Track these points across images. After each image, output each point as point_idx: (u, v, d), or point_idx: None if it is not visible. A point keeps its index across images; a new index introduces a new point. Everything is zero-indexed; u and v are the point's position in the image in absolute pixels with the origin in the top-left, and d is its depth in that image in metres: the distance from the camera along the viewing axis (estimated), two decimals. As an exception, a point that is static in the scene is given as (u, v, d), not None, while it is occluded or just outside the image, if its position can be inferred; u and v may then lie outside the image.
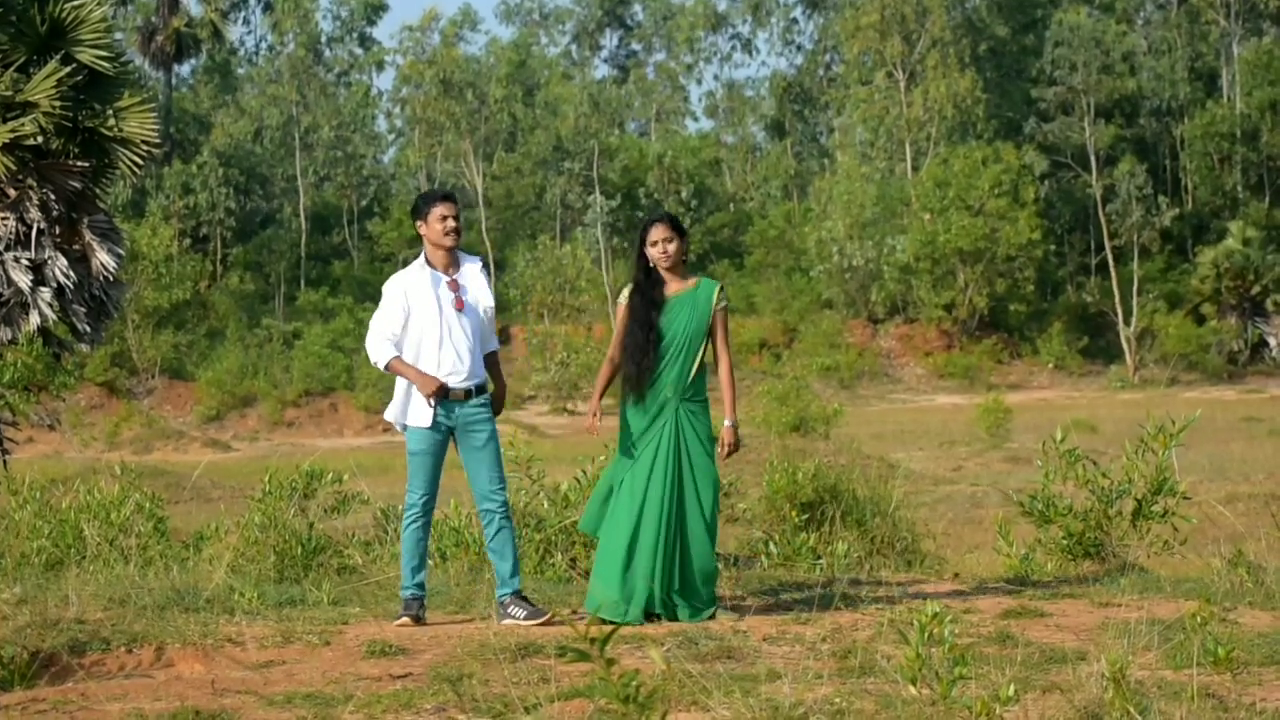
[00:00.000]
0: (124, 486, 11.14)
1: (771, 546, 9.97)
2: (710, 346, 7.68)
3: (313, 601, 7.99)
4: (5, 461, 15.14)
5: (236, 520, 10.69)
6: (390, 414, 7.62)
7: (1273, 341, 60.26)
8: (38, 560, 10.21)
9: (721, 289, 7.73)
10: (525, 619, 7.36)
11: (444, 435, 7.53)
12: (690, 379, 7.62)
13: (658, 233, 7.63)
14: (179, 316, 58.10)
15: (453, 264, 7.59)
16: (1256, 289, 60.38)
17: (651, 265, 7.68)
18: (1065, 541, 9.44)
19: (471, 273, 7.61)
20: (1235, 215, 64.35)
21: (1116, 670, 5.04)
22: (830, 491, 10.82)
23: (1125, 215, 64.28)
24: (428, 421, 7.44)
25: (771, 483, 10.95)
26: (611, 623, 7.26)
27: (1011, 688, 4.94)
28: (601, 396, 7.75)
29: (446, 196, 7.60)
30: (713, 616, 7.49)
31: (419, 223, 7.59)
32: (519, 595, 7.51)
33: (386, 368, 7.47)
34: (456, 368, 7.47)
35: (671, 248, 7.62)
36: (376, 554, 10.00)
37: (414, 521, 7.53)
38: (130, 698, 5.98)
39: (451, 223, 7.52)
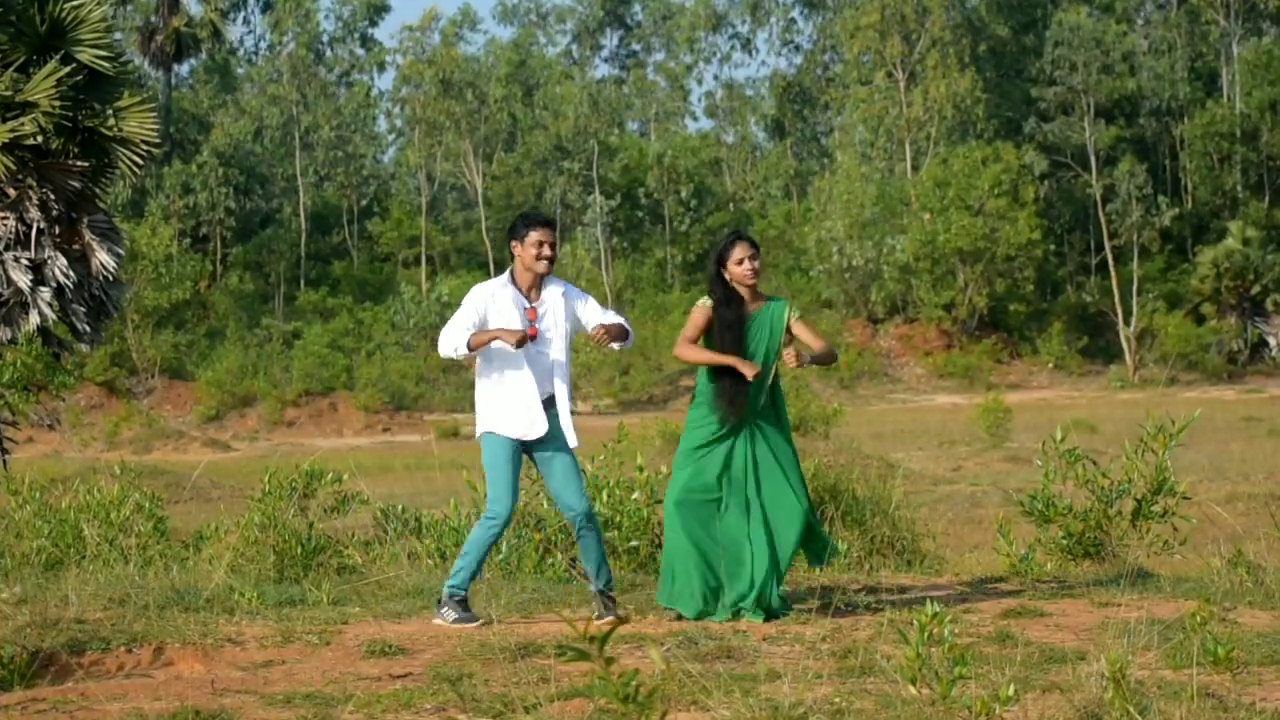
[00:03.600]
0: (124, 486, 11.14)
1: (771, 546, 9.94)
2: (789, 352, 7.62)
3: (313, 601, 7.99)
4: (5, 461, 15.13)
5: (236, 520, 10.69)
6: (482, 425, 7.55)
7: (1272, 341, 60.26)
8: (38, 560, 10.22)
9: (792, 305, 7.76)
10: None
11: (521, 446, 7.54)
12: (766, 394, 7.66)
13: (743, 250, 7.65)
14: (179, 316, 58.12)
15: (536, 288, 7.61)
16: (1256, 289, 60.39)
17: (730, 283, 7.67)
18: (1065, 541, 9.43)
19: (553, 297, 7.60)
20: (1235, 215, 64.36)
21: (1116, 670, 5.04)
22: (830, 491, 10.81)
23: (1125, 215, 64.29)
24: (516, 432, 7.45)
25: (771, 482, 10.92)
26: (700, 617, 7.39)
27: (1011, 688, 4.94)
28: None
29: (546, 222, 7.64)
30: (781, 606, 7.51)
31: (514, 242, 7.60)
32: (604, 594, 7.59)
33: (469, 347, 7.42)
34: (527, 388, 7.47)
35: (756, 264, 7.66)
36: (376, 554, 10.00)
37: (494, 529, 7.50)
38: (130, 697, 5.98)
39: (547, 249, 7.55)
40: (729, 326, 7.59)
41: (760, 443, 7.61)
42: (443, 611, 7.39)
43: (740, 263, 7.63)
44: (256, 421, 52.35)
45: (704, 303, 7.70)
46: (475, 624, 7.29)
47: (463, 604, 7.41)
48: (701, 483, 7.55)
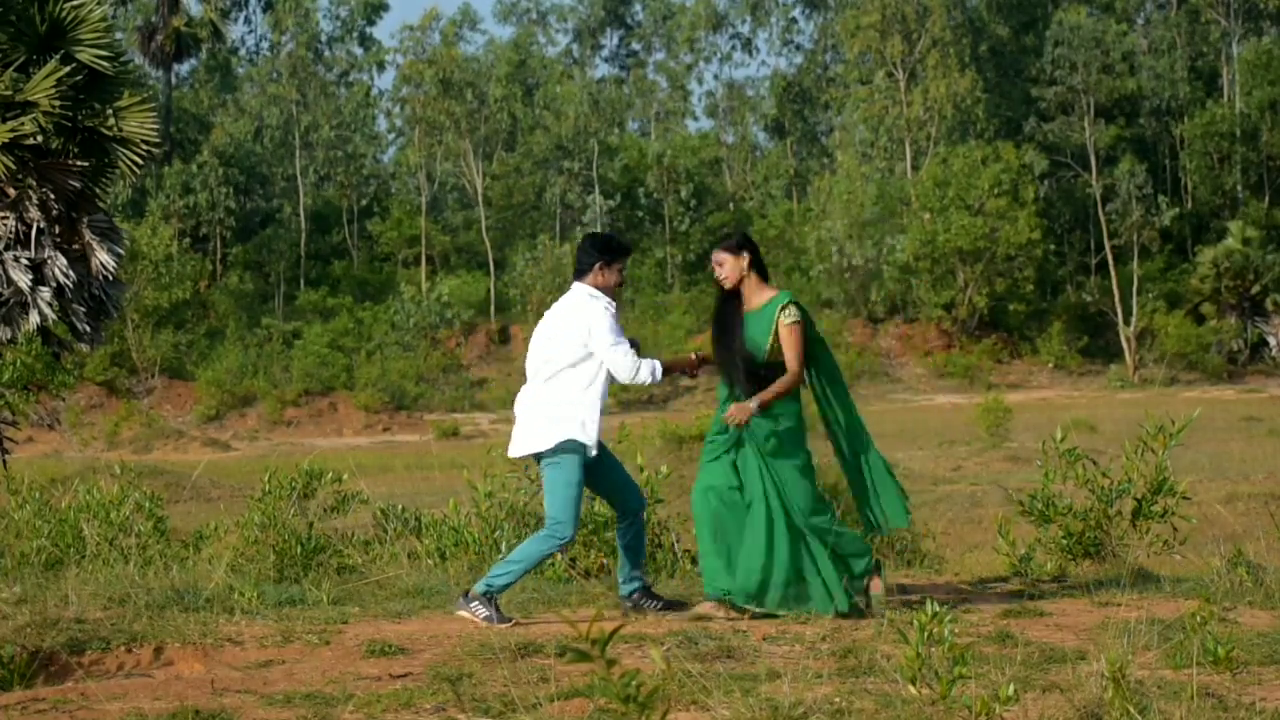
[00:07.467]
0: (123, 486, 11.15)
1: (771, 546, 9.93)
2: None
3: (312, 601, 7.99)
4: (5, 461, 15.13)
5: (236, 520, 10.69)
6: (585, 436, 7.51)
7: (1272, 341, 60.26)
8: (38, 560, 10.22)
9: (786, 305, 7.65)
10: (660, 609, 7.60)
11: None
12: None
13: (713, 258, 7.86)
14: (179, 316, 58.12)
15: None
16: (1256, 289, 60.39)
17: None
18: (1065, 541, 9.42)
19: None
20: (1235, 215, 64.36)
21: (1116, 670, 5.04)
22: (830, 491, 10.80)
23: (1125, 215, 64.29)
24: (594, 447, 7.55)
25: (771, 482, 10.91)
26: (741, 610, 7.43)
27: (1011, 687, 4.94)
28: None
29: (630, 251, 7.90)
30: (851, 608, 7.47)
31: (602, 264, 7.64)
32: (648, 590, 7.76)
33: (665, 371, 7.63)
34: (605, 405, 7.74)
35: (723, 271, 7.77)
36: (376, 554, 10.00)
37: (555, 547, 7.56)
38: (130, 697, 5.98)
39: (623, 278, 7.79)
40: (712, 321, 7.90)
41: (762, 458, 7.59)
42: (473, 606, 7.35)
43: (711, 270, 7.97)
44: (256, 421, 52.36)
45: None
46: (507, 624, 7.27)
47: (494, 602, 7.42)
48: (720, 481, 7.59)
